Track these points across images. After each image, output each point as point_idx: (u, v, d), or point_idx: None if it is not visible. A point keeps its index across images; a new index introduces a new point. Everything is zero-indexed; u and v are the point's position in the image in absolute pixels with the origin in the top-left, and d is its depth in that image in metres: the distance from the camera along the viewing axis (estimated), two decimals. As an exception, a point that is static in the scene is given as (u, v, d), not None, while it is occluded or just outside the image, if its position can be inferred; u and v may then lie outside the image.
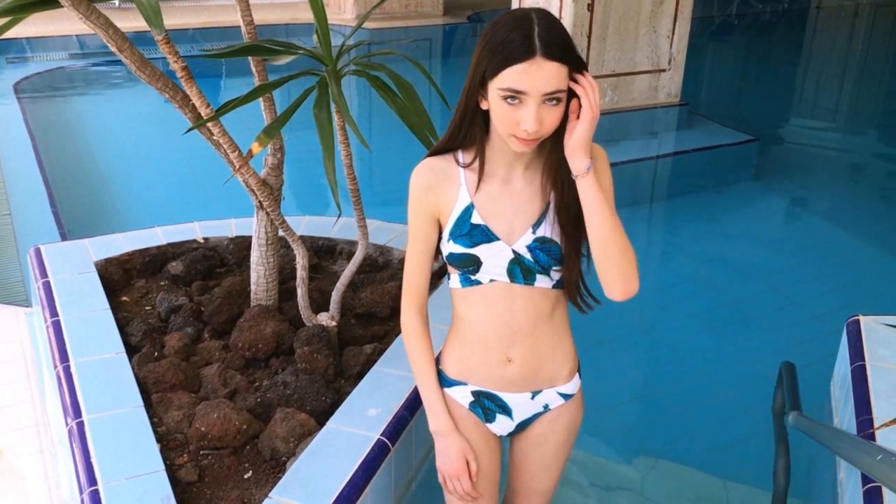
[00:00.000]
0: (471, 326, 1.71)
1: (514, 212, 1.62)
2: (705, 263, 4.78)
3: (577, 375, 1.81)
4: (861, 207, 5.78)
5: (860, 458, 1.66)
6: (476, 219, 1.62)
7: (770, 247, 5.02)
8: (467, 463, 1.75)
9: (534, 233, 1.62)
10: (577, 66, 1.46)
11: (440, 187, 1.65)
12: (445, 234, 1.66)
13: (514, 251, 1.62)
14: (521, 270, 1.63)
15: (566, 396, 1.79)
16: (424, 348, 1.77)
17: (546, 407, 1.78)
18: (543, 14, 1.47)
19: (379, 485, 2.06)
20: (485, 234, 1.62)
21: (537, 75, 1.42)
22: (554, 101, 1.45)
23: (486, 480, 1.82)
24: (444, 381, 1.80)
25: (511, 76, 1.43)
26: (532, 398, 1.76)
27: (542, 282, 1.65)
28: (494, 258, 1.62)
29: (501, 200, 1.62)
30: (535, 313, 1.68)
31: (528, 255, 1.62)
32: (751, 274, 4.60)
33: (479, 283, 1.66)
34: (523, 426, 1.81)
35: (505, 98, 1.45)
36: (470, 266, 1.64)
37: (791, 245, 5.13)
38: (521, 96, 1.44)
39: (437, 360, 1.82)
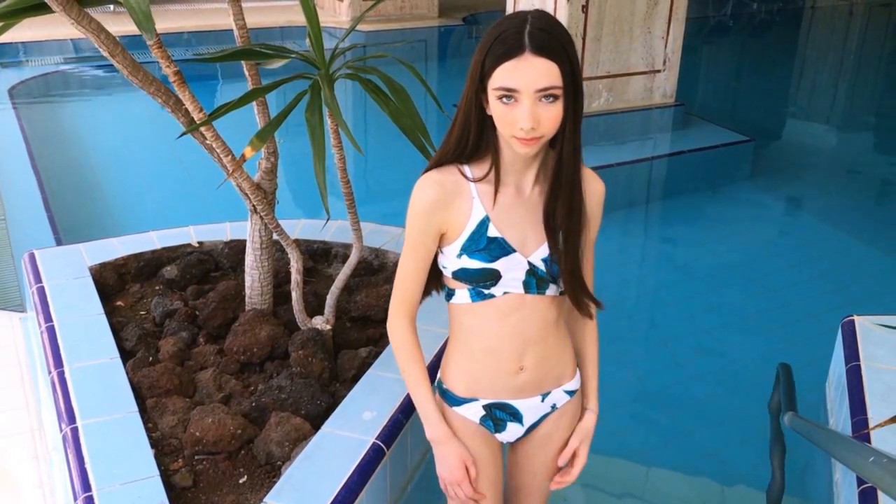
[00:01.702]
0: (481, 340, 1.69)
1: (527, 223, 1.61)
2: (700, 264, 4.78)
3: (578, 372, 1.83)
4: (856, 207, 5.78)
5: (853, 459, 1.66)
6: (493, 232, 1.60)
7: (765, 247, 5.03)
8: (467, 469, 1.74)
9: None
10: (569, 64, 1.44)
11: (451, 203, 1.60)
12: (455, 250, 1.61)
13: (529, 263, 1.60)
14: (535, 281, 1.62)
15: (571, 393, 1.80)
16: (417, 359, 1.73)
17: (553, 406, 1.79)
18: (540, 14, 1.46)
19: (374, 489, 2.06)
20: (502, 248, 1.60)
21: (527, 71, 1.41)
22: (550, 99, 1.43)
23: (491, 488, 1.81)
24: (452, 400, 1.77)
25: (502, 74, 1.43)
26: (542, 400, 1.77)
27: (552, 290, 1.66)
28: (512, 271, 1.61)
29: (515, 211, 1.60)
30: (544, 321, 1.68)
31: (542, 267, 1.61)
32: (746, 275, 4.60)
33: (492, 296, 1.64)
34: (530, 430, 1.81)
35: (500, 98, 1.45)
36: (487, 280, 1.62)
37: (786, 245, 5.14)
38: (514, 94, 1.43)
39: (442, 380, 1.80)
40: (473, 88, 1.51)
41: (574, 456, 1.83)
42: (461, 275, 1.63)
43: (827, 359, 2.96)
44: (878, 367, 2.54)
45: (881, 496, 2.01)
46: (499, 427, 1.78)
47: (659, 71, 6.44)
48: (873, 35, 13.01)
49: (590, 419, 1.84)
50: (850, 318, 2.81)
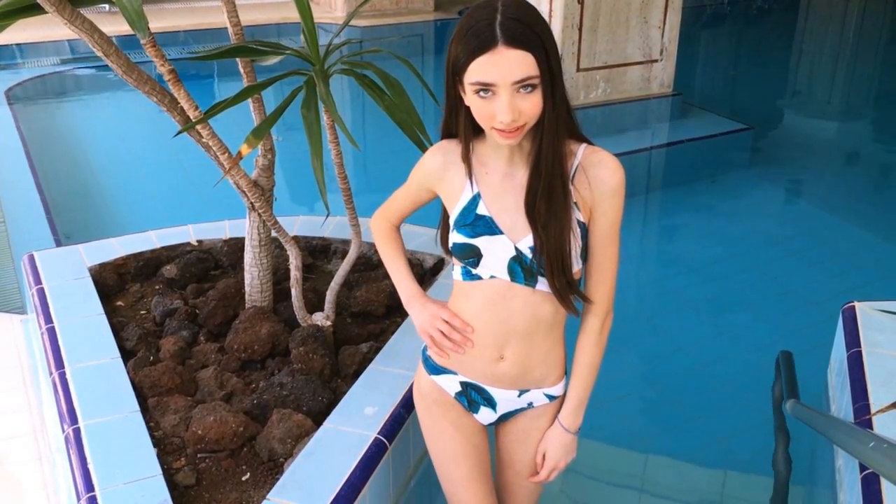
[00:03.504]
0: (468, 321, 1.70)
1: (517, 208, 1.59)
2: (701, 253, 4.78)
3: (564, 379, 1.80)
4: (855, 194, 5.78)
5: (854, 445, 1.66)
6: (482, 210, 1.60)
7: (765, 235, 5.02)
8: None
9: None
10: (544, 51, 1.41)
11: (446, 172, 1.65)
12: (451, 223, 1.65)
13: (516, 248, 1.59)
14: (522, 270, 1.60)
15: (552, 397, 1.79)
16: (392, 239, 1.89)
17: (530, 404, 1.79)
18: (510, 0, 1.43)
19: (377, 484, 2.06)
20: (488, 226, 1.59)
21: (502, 65, 1.39)
22: (528, 88, 1.41)
23: (478, 465, 1.84)
24: (432, 368, 1.80)
25: (477, 69, 1.41)
26: (518, 396, 1.77)
27: (545, 285, 1.62)
28: (495, 252, 1.60)
29: (505, 195, 1.60)
30: (533, 316, 1.65)
31: (529, 255, 1.59)
32: (747, 263, 4.60)
33: (479, 278, 1.64)
34: (505, 417, 1.82)
35: (477, 92, 1.43)
36: (470, 258, 1.62)
37: (786, 233, 5.13)
38: (492, 88, 1.41)
39: (426, 347, 1.83)
40: (450, 78, 1.50)
41: (544, 459, 1.82)
42: (453, 250, 1.66)
43: (828, 345, 2.96)
44: (880, 353, 2.54)
45: (884, 482, 2.01)
46: (472, 407, 1.80)
47: (656, 61, 6.43)
48: (871, 21, 12.98)
49: (555, 432, 1.79)
50: (851, 304, 2.81)
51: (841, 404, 2.57)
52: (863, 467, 2.08)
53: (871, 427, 2.20)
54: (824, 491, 2.57)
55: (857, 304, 2.80)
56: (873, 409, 2.27)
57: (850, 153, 6.83)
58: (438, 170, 1.67)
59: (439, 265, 3.01)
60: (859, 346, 2.57)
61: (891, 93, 8.93)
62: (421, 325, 1.78)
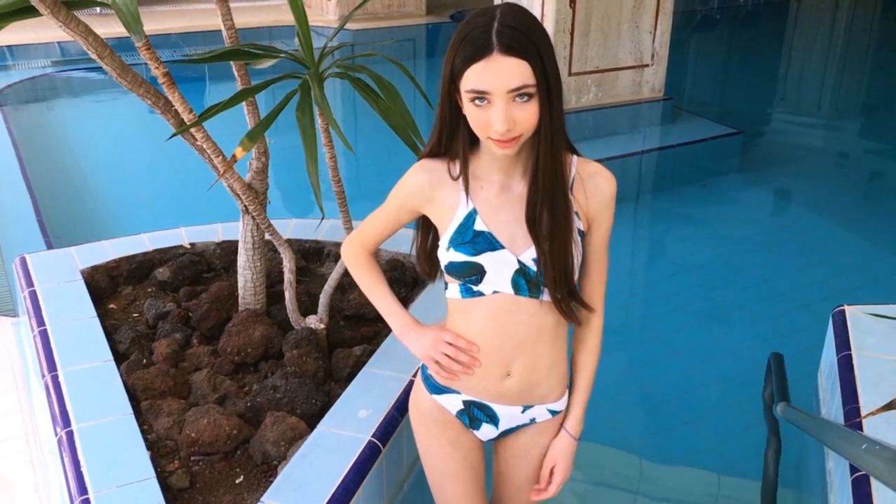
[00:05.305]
0: (470, 339, 1.66)
1: (515, 220, 1.56)
2: (692, 257, 4.80)
3: (566, 394, 1.79)
4: (845, 198, 5.82)
5: (845, 447, 1.67)
6: (479, 225, 1.57)
7: (756, 239, 5.05)
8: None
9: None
10: (540, 60, 1.39)
11: (436, 192, 1.61)
12: (444, 242, 1.60)
13: (519, 261, 1.56)
14: (526, 282, 1.57)
15: (554, 413, 1.78)
16: (371, 267, 1.81)
17: (533, 420, 1.77)
18: (510, 8, 1.41)
19: (371, 486, 2.06)
20: (489, 242, 1.56)
21: (497, 72, 1.37)
22: (524, 98, 1.39)
23: (473, 481, 1.82)
24: (433, 388, 1.76)
25: (472, 77, 1.39)
26: (522, 412, 1.75)
27: (549, 295, 1.60)
28: (498, 267, 1.57)
29: (502, 209, 1.57)
30: (538, 327, 1.63)
31: (533, 267, 1.56)
32: (737, 266, 4.62)
33: (481, 294, 1.61)
34: (506, 433, 1.80)
35: (473, 100, 1.41)
36: (472, 276, 1.59)
37: (777, 236, 5.16)
38: (487, 96, 1.39)
39: (426, 366, 1.79)
40: (446, 87, 1.48)
41: (552, 473, 1.80)
42: (449, 269, 1.61)
43: (819, 348, 2.98)
44: (869, 356, 2.56)
45: (874, 483, 2.02)
46: (474, 424, 1.77)
47: (647, 65, 6.46)
48: (860, 26, 13.07)
49: (563, 441, 1.78)
50: (841, 307, 2.83)
51: (831, 407, 2.59)
52: (853, 469, 2.09)
53: (861, 430, 2.21)
54: (815, 493, 2.59)
55: (847, 307, 2.82)
56: (863, 412, 2.29)
57: (840, 157, 6.87)
58: (425, 189, 1.62)
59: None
60: (849, 349, 2.59)
61: (880, 98, 9.00)
62: (424, 352, 1.72)
